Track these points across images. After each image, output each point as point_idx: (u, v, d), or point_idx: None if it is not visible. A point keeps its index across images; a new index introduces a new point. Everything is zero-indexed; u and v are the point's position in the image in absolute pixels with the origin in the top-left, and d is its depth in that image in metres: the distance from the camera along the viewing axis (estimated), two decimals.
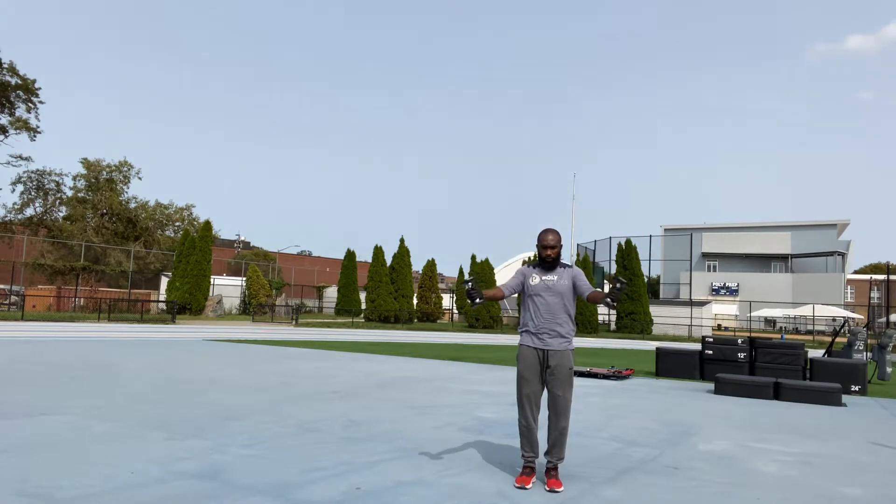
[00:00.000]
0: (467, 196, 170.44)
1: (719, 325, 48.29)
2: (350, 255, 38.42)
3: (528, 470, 4.21)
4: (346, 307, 37.06)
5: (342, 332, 25.12)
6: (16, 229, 41.23)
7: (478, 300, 4.19)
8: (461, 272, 42.13)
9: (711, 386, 10.33)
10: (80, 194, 42.40)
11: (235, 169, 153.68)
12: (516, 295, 4.54)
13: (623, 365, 13.81)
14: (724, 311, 53.14)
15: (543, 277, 4.32)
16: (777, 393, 9.15)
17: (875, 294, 58.46)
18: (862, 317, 46.77)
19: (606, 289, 37.23)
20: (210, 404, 6.72)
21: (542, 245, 4.34)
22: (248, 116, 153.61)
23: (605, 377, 11.05)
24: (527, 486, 4.08)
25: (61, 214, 42.41)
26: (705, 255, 60.56)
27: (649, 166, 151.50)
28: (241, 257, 58.56)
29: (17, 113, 37.76)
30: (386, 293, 35.33)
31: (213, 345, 15.10)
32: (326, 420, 6.12)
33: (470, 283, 4.13)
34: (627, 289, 32.43)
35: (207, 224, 35.84)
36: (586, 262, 35.76)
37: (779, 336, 33.04)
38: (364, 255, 42.00)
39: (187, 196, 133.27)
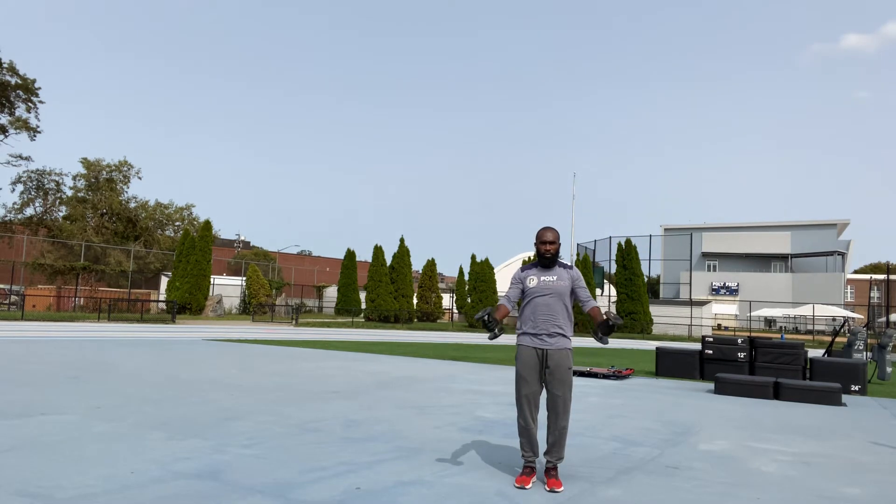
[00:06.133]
0: (467, 196, 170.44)
1: (719, 325, 48.29)
2: (350, 255, 38.42)
3: (528, 470, 4.21)
4: (346, 307, 37.06)
5: (342, 331, 25.12)
6: (16, 229, 41.23)
7: (496, 330, 4.22)
8: (461, 272, 42.10)
9: (711, 386, 10.33)
10: (80, 194, 42.39)
11: (235, 169, 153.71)
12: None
13: (623, 365, 13.81)
14: (724, 310, 53.16)
15: (542, 278, 4.30)
16: (777, 393, 9.15)
17: (875, 294, 58.44)
18: (862, 317, 46.76)
19: (609, 291, 37.23)
20: (210, 404, 6.72)
21: (540, 241, 4.33)
22: (248, 117, 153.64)
23: (605, 377, 11.05)
24: (527, 487, 4.08)
25: (61, 214, 42.41)
26: (705, 255, 60.57)
27: (649, 166, 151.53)
28: (241, 257, 58.55)
29: (17, 113, 37.78)
30: (386, 293, 35.34)
31: (213, 345, 15.10)
32: (326, 420, 6.12)
33: (486, 316, 4.17)
34: (626, 298, 32.40)
35: (207, 224, 35.83)
36: (586, 261, 35.77)
37: (779, 336, 33.03)
38: (364, 255, 42.05)
39: (187, 196, 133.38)
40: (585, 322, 31.84)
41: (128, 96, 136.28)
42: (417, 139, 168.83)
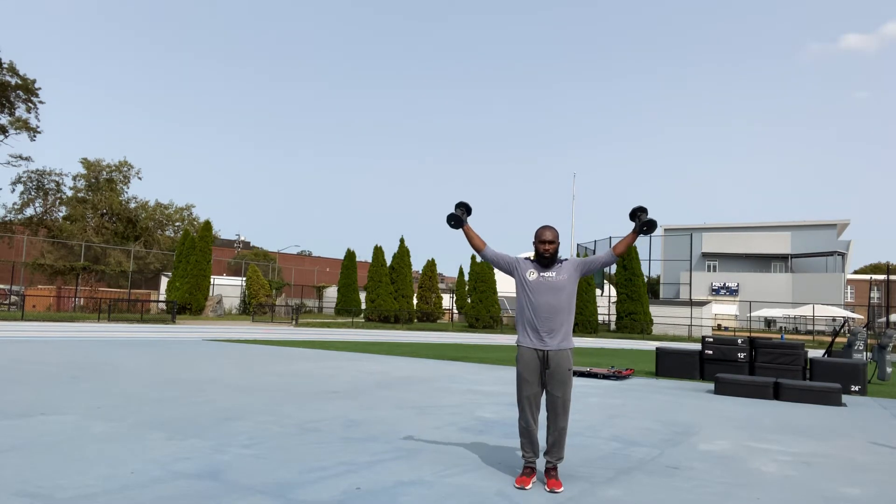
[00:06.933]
0: (468, 196, 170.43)
1: (719, 325, 48.28)
2: (350, 255, 38.42)
3: (528, 470, 4.21)
4: (346, 307, 37.05)
5: (342, 332, 25.12)
6: (16, 229, 41.24)
7: (456, 217, 4.24)
8: (461, 272, 42.08)
9: (711, 386, 10.33)
10: (80, 194, 42.41)
11: (235, 169, 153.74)
12: (515, 294, 4.56)
13: (623, 365, 13.81)
14: (724, 311, 53.14)
15: (542, 274, 4.25)
16: (777, 393, 9.15)
17: (875, 294, 58.45)
18: (862, 317, 46.76)
19: (609, 291, 37.20)
20: (210, 404, 6.72)
21: (539, 241, 4.29)
22: (248, 116, 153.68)
23: (605, 377, 11.05)
24: (527, 487, 4.08)
25: (61, 214, 42.43)
26: (705, 255, 60.56)
27: (649, 166, 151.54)
28: (241, 257, 58.53)
29: (17, 113, 37.79)
30: (386, 293, 35.33)
31: (213, 345, 15.10)
32: (326, 420, 6.12)
33: (461, 210, 4.20)
34: (626, 298, 32.36)
35: (207, 224, 35.83)
36: None
37: (779, 336, 33.03)
38: (364, 255, 42.02)
39: (187, 196, 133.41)
40: (585, 322, 31.84)
41: (128, 96, 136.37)
42: (417, 139, 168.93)
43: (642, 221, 4.06)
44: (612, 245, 4.24)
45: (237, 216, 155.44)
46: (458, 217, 4.29)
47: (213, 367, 10.35)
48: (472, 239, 4.41)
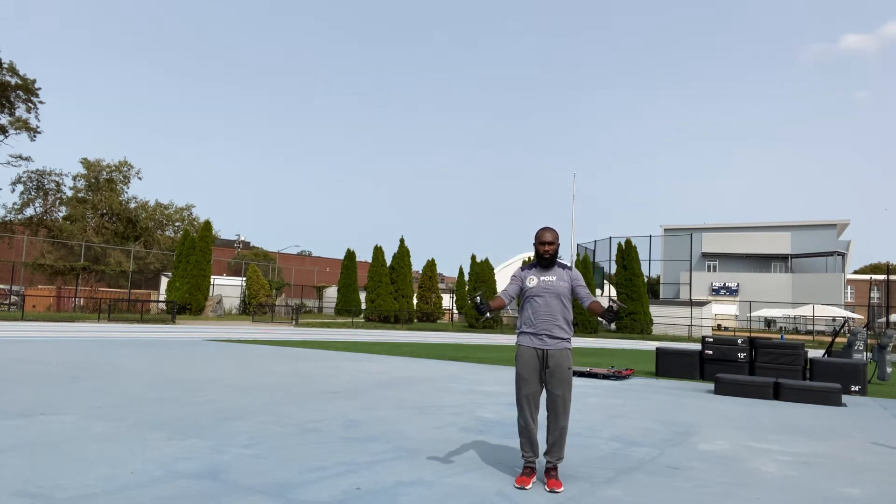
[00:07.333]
0: (467, 196, 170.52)
1: (719, 325, 48.28)
2: (350, 255, 38.42)
3: (528, 470, 4.21)
4: (346, 307, 37.05)
5: (342, 332, 25.12)
6: (16, 229, 41.25)
7: (488, 314, 4.27)
8: (461, 272, 42.09)
9: (711, 386, 10.33)
10: (80, 194, 42.42)
11: (235, 169, 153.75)
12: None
13: (623, 365, 13.81)
14: (724, 311, 53.14)
15: (542, 278, 4.32)
16: (777, 393, 9.15)
17: (875, 294, 58.45)
18: (862, 317, 46.76)
19: (609, 291, 37.22)
20: (210, 404, 6.72)
21: (539, 242, 4.35)
22: (248, 117, 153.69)
23: (605, 377, 11.05)
24: (527, 487, 4.08)
25: (61, 214, 42.44)
26: (705, 255, 60.57)
27: (649, 166, 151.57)
28: (241, 257, 58.54)
29: (17, 113, 37.80)
30: (386, 293, 35.34)
31: (213, 345, 15.10)
32: (326, 420, 6.12)
33: (479, 298, 4.21)
34: (626, 298, 32.37)
35: (207, 224, 35.83)
36: (586, 262, 35.76)
37: (779, 336, 33.03)
38: (364, 255, 42.04)
39: (187, 196, 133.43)
40: (585, 322, 31.85)
41: (128, 96, 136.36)
42: (417, 139, 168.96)
43: (610, 312, 4.08)
44: (592, 301, 4.28)
45: (237, 216, 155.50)
46: (492, 310, 4.33)
47: (213, 367, 10.34)
48: (499, 308, 4.40)
